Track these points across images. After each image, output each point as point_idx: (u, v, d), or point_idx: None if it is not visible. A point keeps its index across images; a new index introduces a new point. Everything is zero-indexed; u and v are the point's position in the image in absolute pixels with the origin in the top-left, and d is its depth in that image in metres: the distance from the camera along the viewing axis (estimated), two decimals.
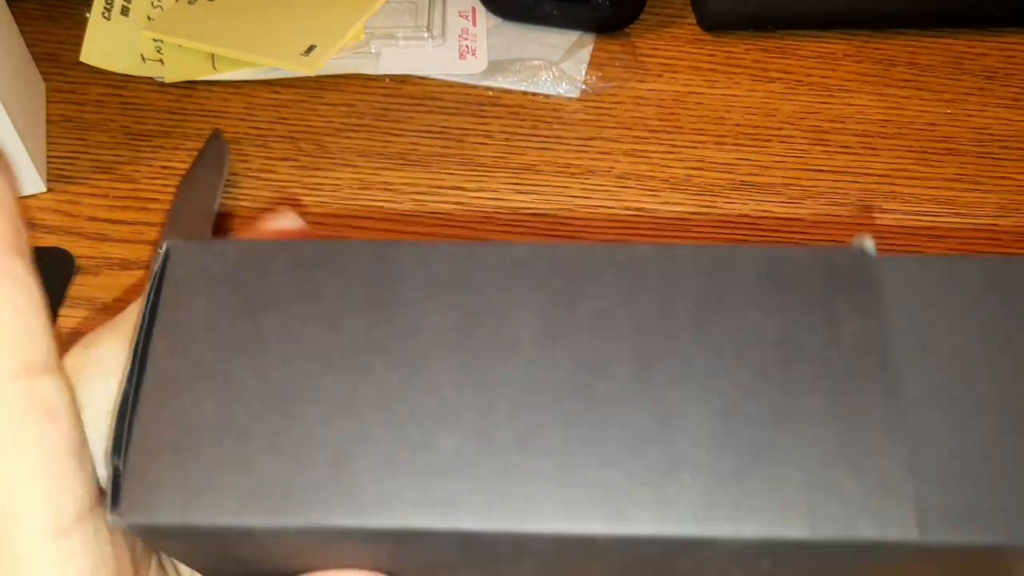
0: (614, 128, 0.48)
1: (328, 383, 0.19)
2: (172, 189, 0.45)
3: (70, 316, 0.40)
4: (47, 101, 0.49)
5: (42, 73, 0.50)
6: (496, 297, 0.19)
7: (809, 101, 0.50)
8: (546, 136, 0.48)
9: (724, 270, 0.20)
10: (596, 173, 0.46)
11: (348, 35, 0.50)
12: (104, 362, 0.20)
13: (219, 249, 0.21)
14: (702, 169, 0.46)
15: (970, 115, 0.49)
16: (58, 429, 0.17)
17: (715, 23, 0.53)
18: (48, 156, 0.46)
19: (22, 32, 0.48)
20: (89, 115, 0.48)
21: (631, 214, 0.44)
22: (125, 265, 0.41)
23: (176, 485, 0.18)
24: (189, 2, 0.52)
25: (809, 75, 0.51)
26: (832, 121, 0.48)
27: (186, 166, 0.46)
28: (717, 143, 0.47)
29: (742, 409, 0.18)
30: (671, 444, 0.18)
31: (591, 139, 0.47)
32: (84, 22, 0.50)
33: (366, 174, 0.46)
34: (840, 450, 0.17)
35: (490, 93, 0.50)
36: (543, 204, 0.44)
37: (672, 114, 0.49)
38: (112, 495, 0.18)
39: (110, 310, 0.40)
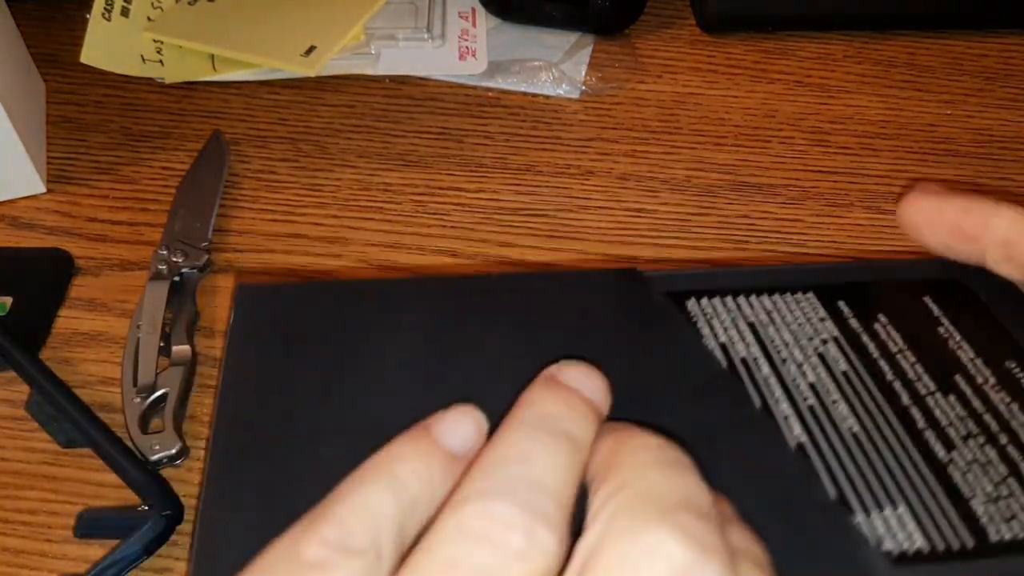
0: (614, 129, 0.48)
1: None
2: (172, 190, 0.45)
3: (70, 317, 0.39)
4: (47, 102, 0.49)
5: (42, 74, 0.50)
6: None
7: (809, 102, 0.50)
8: (546, 137, 0.48)
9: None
10: (596, 174, 0.46)
11: (348, 36, 0.50)
12: None
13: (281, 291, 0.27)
14: (702, 170, 0.46)
15: (970, 116, 0.49)
16: None
17: (715, 24, 0.53)
18: (48, 157, 0.46)
19: (22, 33, 0.48)
20: (89, 116, 0.48)
21: (631, 215, 0.44)
22: (125, 266, 0.41)
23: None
24: (189, 3, 0.52)
25: (809, 76, 0.51)
26: (832, 122, 0.48)
27: (186, 167, 0.46)
28: (717, 144, 0.47)
29: None
30: None
31: (591, 140, 0.47)
32: (84, 23, 0.50)
33: (366, 175, 0.46)
34: None
35: (490, 94, 0.50)
36: (543, 205, 0.44)
37: (672, 115, 0.49)
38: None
39: (111, 311, 0.40)
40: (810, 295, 0.28)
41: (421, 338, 0.26)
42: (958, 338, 0.27)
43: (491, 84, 0.50)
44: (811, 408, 0.25)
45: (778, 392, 0.25)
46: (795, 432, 0.24)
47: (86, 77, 0.50)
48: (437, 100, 0.49)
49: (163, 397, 0.36)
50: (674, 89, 0.50)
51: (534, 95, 0.50)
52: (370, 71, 0.50)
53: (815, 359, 0.26)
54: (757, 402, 0.25)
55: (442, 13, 0.53)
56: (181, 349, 0.37)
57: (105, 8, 0.51)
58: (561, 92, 0.50)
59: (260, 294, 0.27)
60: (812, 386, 0.25)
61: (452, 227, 0.43)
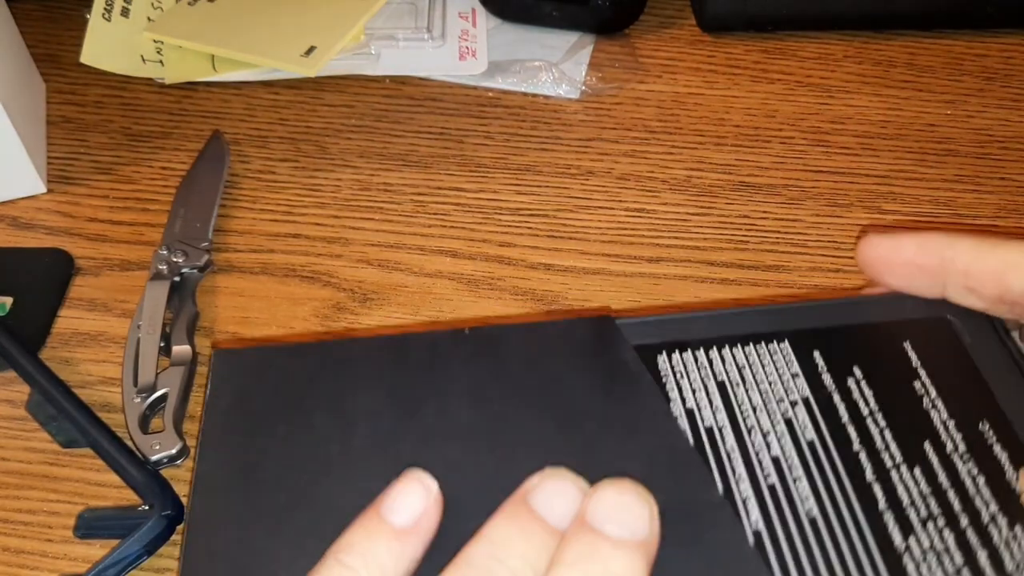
0: (614, 129, 0.48)
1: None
2: (172, 190, 0.45)
3: (70, 317, 0.40)
4: (47, 102, 0.49)
5: (42, 74, 0.50)
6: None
7: (809, 102, 0.50)
8: (546, 137, 0.48)
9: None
10: (596, 174, 0.46)
11: (348, 36, 0.50)
12: None
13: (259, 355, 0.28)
14: (702, 170, 0.46)
15: (970, 116, 0.49)
16: None
17: (715, 24, 0.53)
18: (48, 157, 0.46)
19: (22, 33, 0.48)
20: (89, 116, 0.48)
21: (631, 215, 0.44)
22: (125, 266, 0.41)
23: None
24: (189, 3, 0.52)
25: (809, 76, 0.51)
26: (832, 122, 0.48)
27: (186, 167, 0.46)
28: (717, 144, 0.47)
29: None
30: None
31: (591, 140, 0.47)
32: (84, 23, 0.50)
33: (366, 175, 0.46)
34: None
35: (490, 94, 0.50)
36: (543, 205, 0.44)
37: (672, 115, 0.49)
38: None
39: (111, 311, 0.40)
40: (785, 344, 0.27)
41: (398, 400, 0.26)
42: (933, 395, 0.26)
43: (491, 84, 0.50)
44: (772, 488, 0.24)
45: (740, 469, 0.25)
46: (753, 518, 0.24)
47: (86, 77, 0.50)
48: (437, 100, 0.49)
49: (163, 397, 0.36)
50: (674, 89, 0.50)
51: (534, 95, 0.50)
52: (370, 71, 0.50)
53: (782, 426, 0.25)
54: (719, 482, 0.24)
55: (442, 13, 0.53)
56: (181, 349, 0.37)
57: (105, 8, 0.51)
58: (561, 92, 0.50)
59: (236, 359, 0.28)
60: (776, 461, 0.25)
61: (452, 227, 0.43)
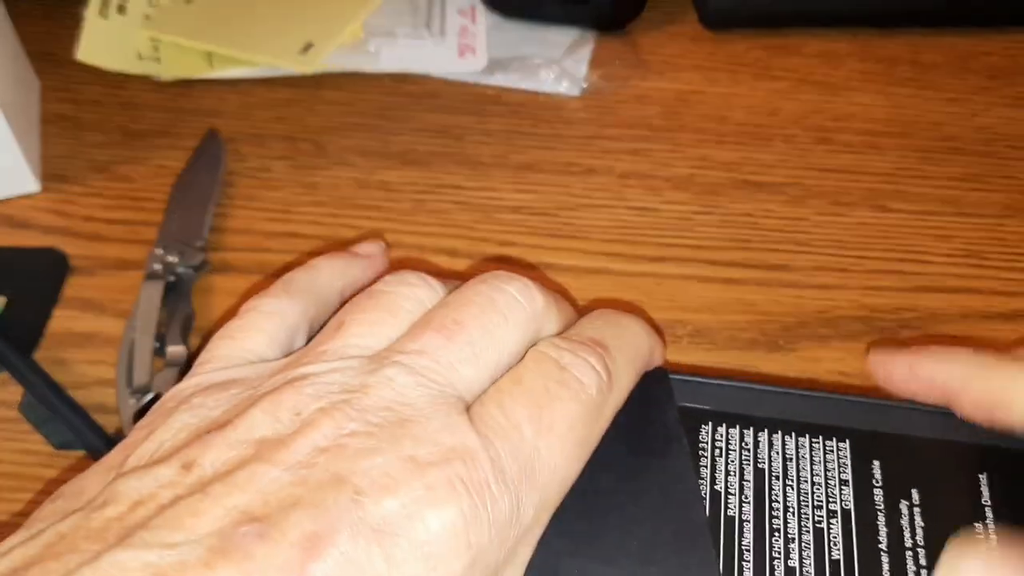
0: (615, 127, 0.48)
1: None
2: (168, 188, 0.44)
3: (64, 317, 0.39)
4: (42, 99, 0.49)
5: (37, 71, 0.49)
6: None
7: (812, 100, 0.49)
8: (547, 135, 0.47)
9: None
10: (597, 172, 0.45)
11: (346, 33, 0.50)
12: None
13: None
14: (704, 168, 0.45)
15: (974, 114, 0.48)
16: None
17: (717, 21, 0.53)
18: (43, 155, 0.46)
19: (17, 30, 0.48)
20: (85, 114, 0.48)
21: (632, 214, 0.43)
22: (121, 265, 0.41)
23: None
24: (186, 0, 0.52)
25: (812, 74, 0.51)
26: (836, 120, 0.48)
27: (183, 165, 0.45)
28: (719, 142, 0.47)
29: None
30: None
31: (592, 138, 0.47)
32: (80, 20, 0.50)
33: (365, 173, 0.45)
34: None
35: (490, 91, 0.49)
36: (543, 203, 0.44)
37: (674, 113, 0.48)
38: None
39: (106, 311, 0.39)
40: (845, 445, 0.24)
41: None
42: (993, 544, 0.22)
43: (491, 81, 0.50)
44: None
45: (749, 573, 0.22)
46: None
47: (82, 75, 0.49)
48: (436, 97, 0.49)
49: (158, 398, 0.35)
50: (676, 86, 0.50)
51: (535, 92, 0.49)
52: (369, 68, 0.50)
53: (810, 536, 0.23)
54: None
55: (441, 10, 0.52)
56: (176, 350, 0.37)
57: (102, 5, 0.50)
58: (562, 89, 0.49)
59: None
60: (791, 573, 0.22)
61: (452, 226, 0.43)
